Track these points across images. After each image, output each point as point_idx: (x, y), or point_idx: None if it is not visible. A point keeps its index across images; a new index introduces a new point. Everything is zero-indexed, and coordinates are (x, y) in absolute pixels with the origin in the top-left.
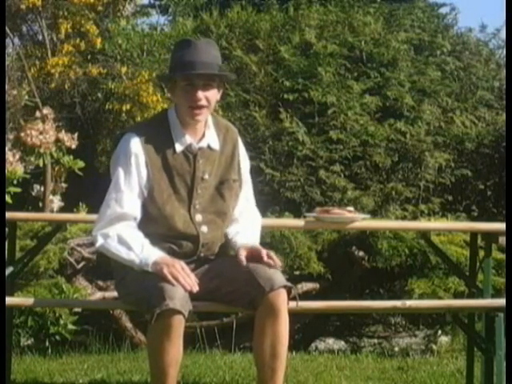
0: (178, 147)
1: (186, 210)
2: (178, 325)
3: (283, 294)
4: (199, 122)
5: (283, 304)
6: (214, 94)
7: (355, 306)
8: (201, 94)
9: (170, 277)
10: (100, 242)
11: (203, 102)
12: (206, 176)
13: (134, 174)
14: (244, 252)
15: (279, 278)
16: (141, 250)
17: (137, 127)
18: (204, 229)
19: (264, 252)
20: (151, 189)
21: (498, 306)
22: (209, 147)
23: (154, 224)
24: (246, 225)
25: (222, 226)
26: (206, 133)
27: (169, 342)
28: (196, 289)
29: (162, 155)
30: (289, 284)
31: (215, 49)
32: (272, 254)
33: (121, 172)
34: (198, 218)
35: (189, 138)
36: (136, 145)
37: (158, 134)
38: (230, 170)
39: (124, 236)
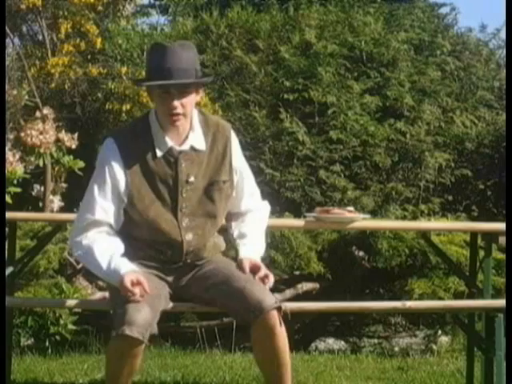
0: (159, 152)
1: (173, 215)
2: (134, 350)
3: (273, 315)
4: (179, 127)
5: (275, 324)
6: (190, 100)
7: (355, 307)
8: (176, 102)
9: (131, 297)
10: (75, 252)
11: (179, 110)
12: (192, 179)
13: (108, 181)
14: (247, 266)
15: (268, 300)
16: (108, 265)
17: (117, 132)
18: (189, 236)
19: (262, 273)
20: (130, 195)
21: (497, 306)
22: (193, 149)
23: (138, 229)
24: (252, 230)
25: (210, 230)
26: (190, 134)
27: (123, 363)
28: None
29: (143, 161)
30: (277, 304)
31: (191, 52)
32: (269, 274)
33: (95, 180)
34: (185, 222)
35: (170, 142)
36: (113, 152)
37: (139, 139)
38: (221, 170)
39: (94, 249)
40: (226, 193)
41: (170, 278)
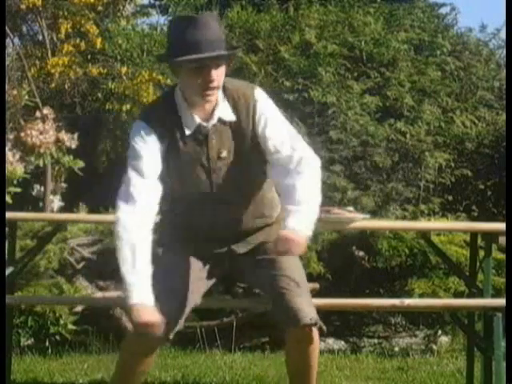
0: (187, 130)
1: (208, 189)
2: (154, 348)
3: (308, 331)
4: (211, 102)
5: (309, 338)
6: (223, 72)
7: (354, 304)
8: (213, 74)
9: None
10: (117, 228)
11: (215, 84)
12: (224, 154)
13: (148, 160)
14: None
15: (305, 313)
16: (136, 278)
17: (145, 115)
18: (223, 210)
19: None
20: (171, 174)
21: (496, 305)
22: (221, 121)
23: (178, 206)
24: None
25: (243, 201)
26: (216, 108)
27: (138, 361)
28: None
29: (173, 141)
30: (313, 321)
31: (219, 22)
32: (292, 238)
33: (133, 160)
34: (219, 196)
35: (197, 119)
36: (148, 133)
37: (166, 119)
38: (247, 139)
39: (137, 251)
40: (255, 161)
41: (214, 268)
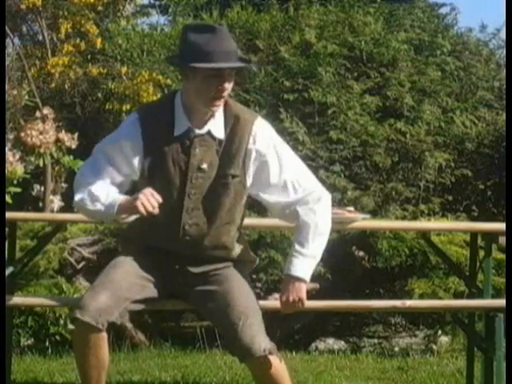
0: (176, 132)
1: (178, 199)
2: (92, 337)
3: (264, 361)
4: (214, 110)
5: (267, 366)
6: (232, 84)
7: (354, 306)
8: (226, 85)
9: (141, 208)
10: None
11: (226, 93)
12: (204, 166)
13: (118, 157)
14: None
15: (257, 345)
16: (105, 198)
17: (143, 110)
18: (189, 224)
19: (285, 298)
20: (143, 175)
21: (497, 306)
22: (210, 135)
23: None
24: (301, 241)
25: (211, 225)
26: (210, 120)
27: (85, 351)
28: (156, 211)
29: (160, 141)
30: (266, 351)
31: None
32: (300, 299)
33: (108, 146)
34: (189, 209)
35: (188, 124)
36: (136, 130)
37: (161, 119)
38: (232, 163)
39: (92, 189)
40: (234, 189)
41: (160, 279)
